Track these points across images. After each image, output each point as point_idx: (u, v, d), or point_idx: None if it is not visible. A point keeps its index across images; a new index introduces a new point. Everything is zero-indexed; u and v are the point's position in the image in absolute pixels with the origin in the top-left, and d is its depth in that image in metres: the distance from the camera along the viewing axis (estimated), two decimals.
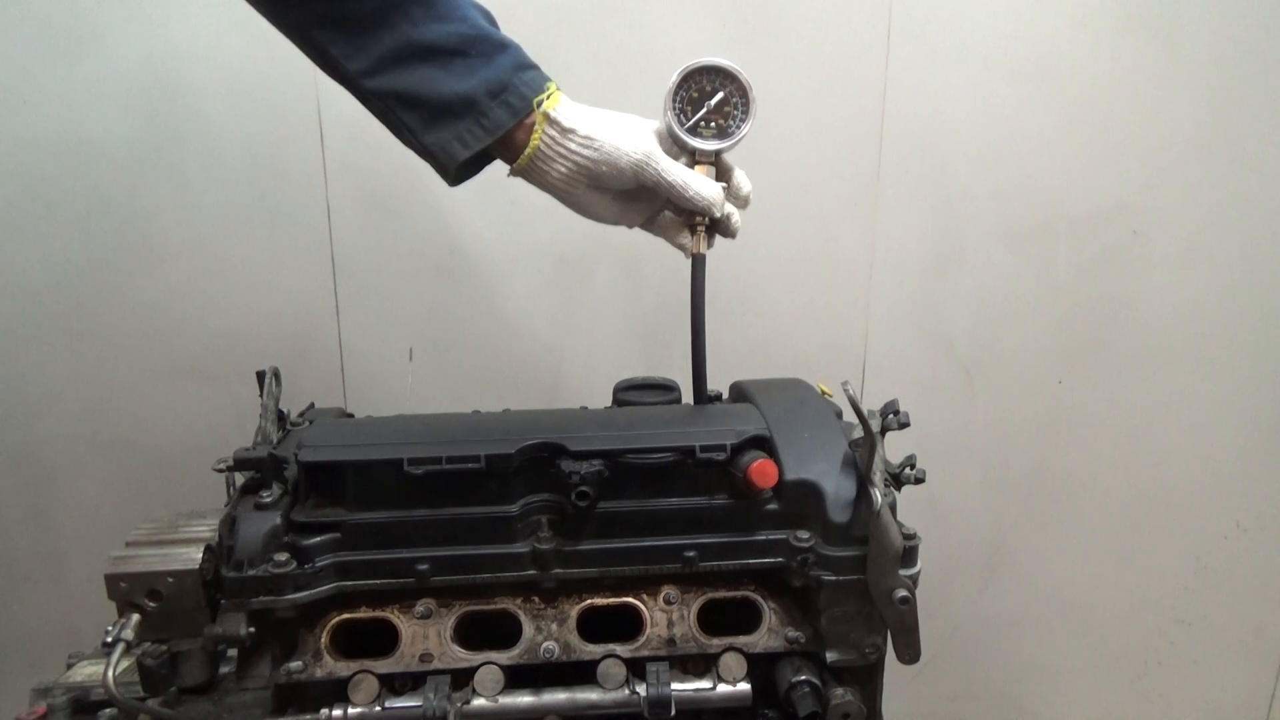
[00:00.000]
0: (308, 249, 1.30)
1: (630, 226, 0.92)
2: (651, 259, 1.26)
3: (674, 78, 0.90)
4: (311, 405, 1.01)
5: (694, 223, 0.90)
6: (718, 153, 0.90)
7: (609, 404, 0.99)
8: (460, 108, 0.83)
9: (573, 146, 0.85)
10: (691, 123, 0.89)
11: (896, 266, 1.38)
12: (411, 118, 0.84)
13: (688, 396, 0.93)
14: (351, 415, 1.03)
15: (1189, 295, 1.40)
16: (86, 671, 0.86)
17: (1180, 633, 1.59)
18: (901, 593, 0.76)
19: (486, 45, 0.83)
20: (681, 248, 0.91)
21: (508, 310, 1.36)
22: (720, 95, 0.90)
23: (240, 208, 1.28)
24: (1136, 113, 1.37)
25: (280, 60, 1.19)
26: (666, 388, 0.99)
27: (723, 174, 0.92)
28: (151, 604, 0.72)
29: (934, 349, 1.42)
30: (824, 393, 1.05)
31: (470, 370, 1.37)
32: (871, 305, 1.41)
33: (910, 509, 0.80)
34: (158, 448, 1.34)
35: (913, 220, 1.36)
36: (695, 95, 0.90)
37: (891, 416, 0.85)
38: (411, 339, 1.35)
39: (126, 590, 0.71)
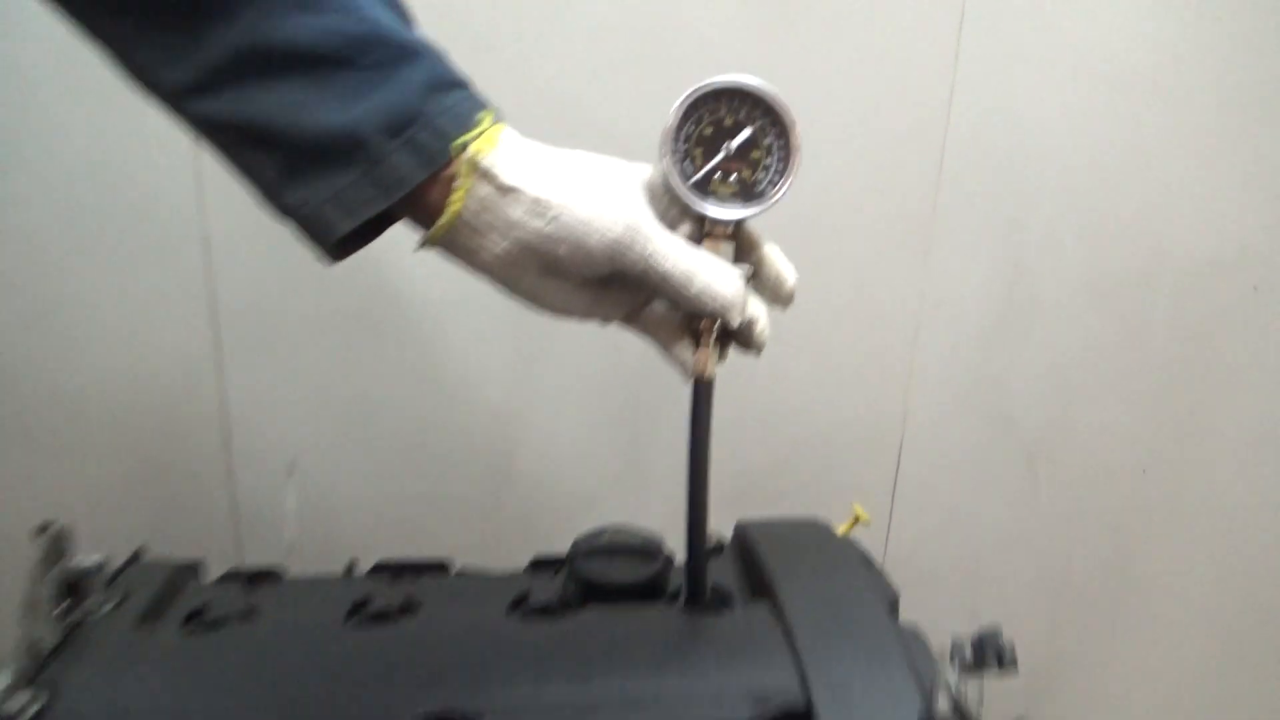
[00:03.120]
0: (179, 288, 0.97)
1: (605, 322, 0.61)
2: None
3: (677, 106, 0.58)
4: (135, 557, 0.69)
5: (699, 327, 0.58)
6: (739, 222, 0.58)
7: (572, 539, 0.70)
8: (340, 150, 0.52)
9: (516, 215, 0.53)
10: (701, 174, 0.58)
11: (949, 324, 1.12)
12: (263, 163, 0.52)
13: (677, 533, 0.62)
14: (194, 567, 0.71)
15: None
16: None
17: None
18: None
19: (385, 51, 0.52)
20: (679, 365, 0.60)
21: (446, 369, 1.03)
22: (747, 133, 0.58)
23: (88, 234, 0.94)
24: (1273, 139, 1.05)
25: None
26: (647, 553, 0.68)
27: (746, 252, 0.61)
28: None
29: (990, 427, 1.16)
30: (857, 518, 0.77)
31: (397, 450, 1.05)
32: (915, 371, 1.13)
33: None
34: None
35: (974, 266, 1.10)
36: (709, 133, 0.58)
37: (991, 654, 0.54)
38: (319, 406, 1.02)
39: None
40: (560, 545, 0.72)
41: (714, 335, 0.60)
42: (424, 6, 0.60)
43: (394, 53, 0.53)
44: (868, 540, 0.78)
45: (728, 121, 0.60)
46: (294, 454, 1.01)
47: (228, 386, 1.04)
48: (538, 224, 0.55)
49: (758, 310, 0.60)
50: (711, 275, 0.57)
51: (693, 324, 0.60)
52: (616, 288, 0.60)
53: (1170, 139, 1.05)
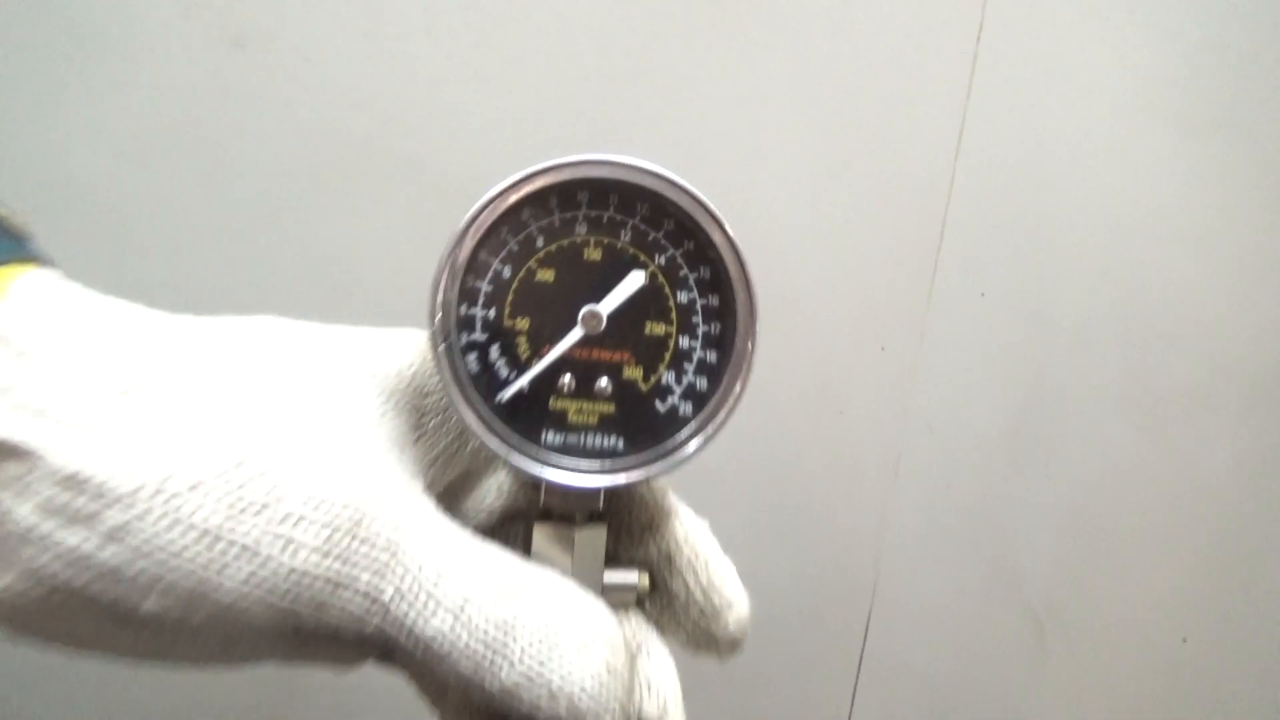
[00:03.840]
0: None
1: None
2: None
3: (475, 218, 0.24)
4: None
5: None
6: (624, 489, 0.24)
7: None
8: None
9: (24, 514, 0.21)
10: (527, 379, 0.24)
11: (941, 451, 0.85)
12: None
13: None
14: None
15: None
16: None
17: None
18: None
19: None
20: None
21: None
22: (635, 283, 0.24)
23: None
24: None
25: None
26: None
27: (637, 543, 0.28)
28: None
29: (989, 581, 0.90)
30: None
31: None
32: (892, 506, 0.86)
33: None
34: None
35: (980, 370, 0.84)
36: (548, 281, 0.24)
37: None
38: None
39: None
40: None
41: None
42: None
43: None
44: None
45: (590, 254, 0.26)
46: None
47: None
48: (77, 540, 0.21)
49: (660, 688, 0.27)
50: (548, 640, 0.24)
51: None
52: (326, 640, 0.26)
53: (1237, 218, 0.76)
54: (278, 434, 0.24)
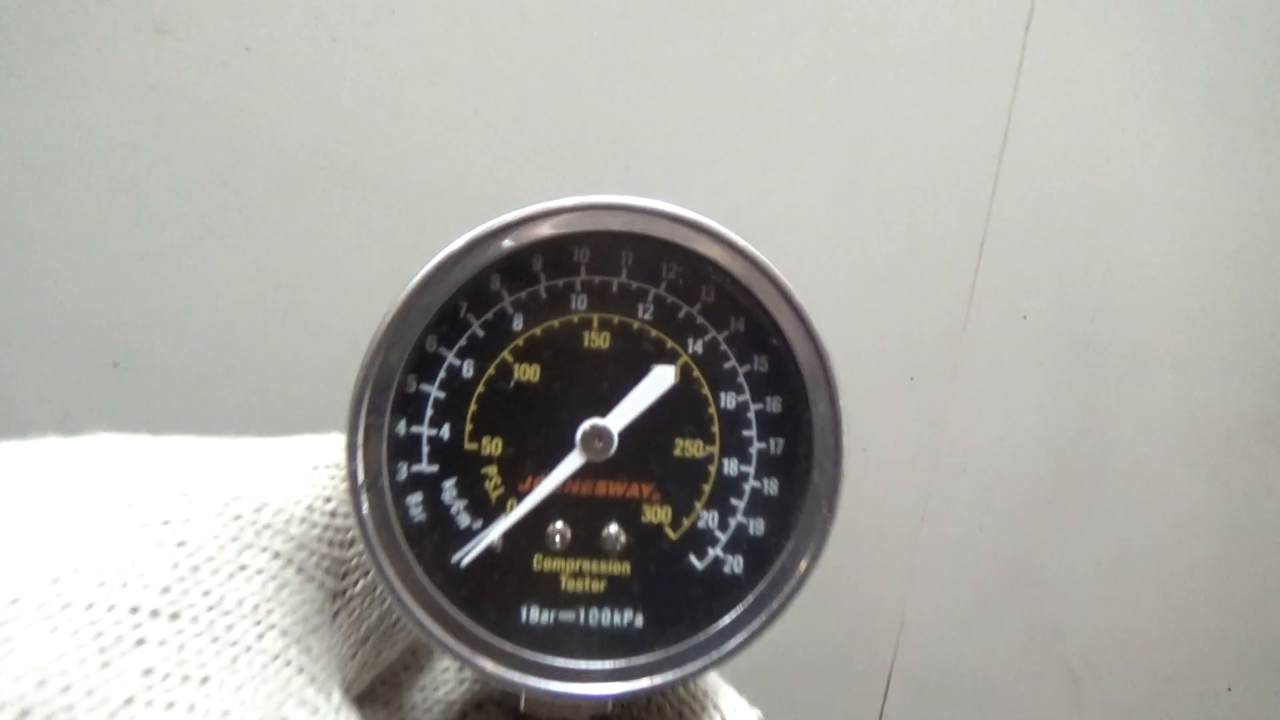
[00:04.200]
0: None
1: None
2: None
3: (419, 284, 0.14)
4: None
5: None
6: (645, 696, 0.16)
7: None
8: None
9: None
10: (494, 534, 0.14)
11: (976, 487, 0.77)
12: None
13: None
14: None
15: None
16: None
17: None
18: None
19: None
20: None
21: None
22: (663, 380, 0.14)
23: None
24: None
25: None
26: None
27: None
28: None
29: (1024, 636, 0.82)
30: None
31: None
32: (918, 554, 0.78)
33: None
34: None
35: (1017, 401, 0.76)
36: (537, 371, 0.14)
37: None
38: None
39: None
40: None
41: None
42: None
43: None
44: None
45: (593, 341, 0.17)
46: None
47: None
48: None
49: None
50: None
51: None
52: None
53: None
54: (96, 647, 0.15)
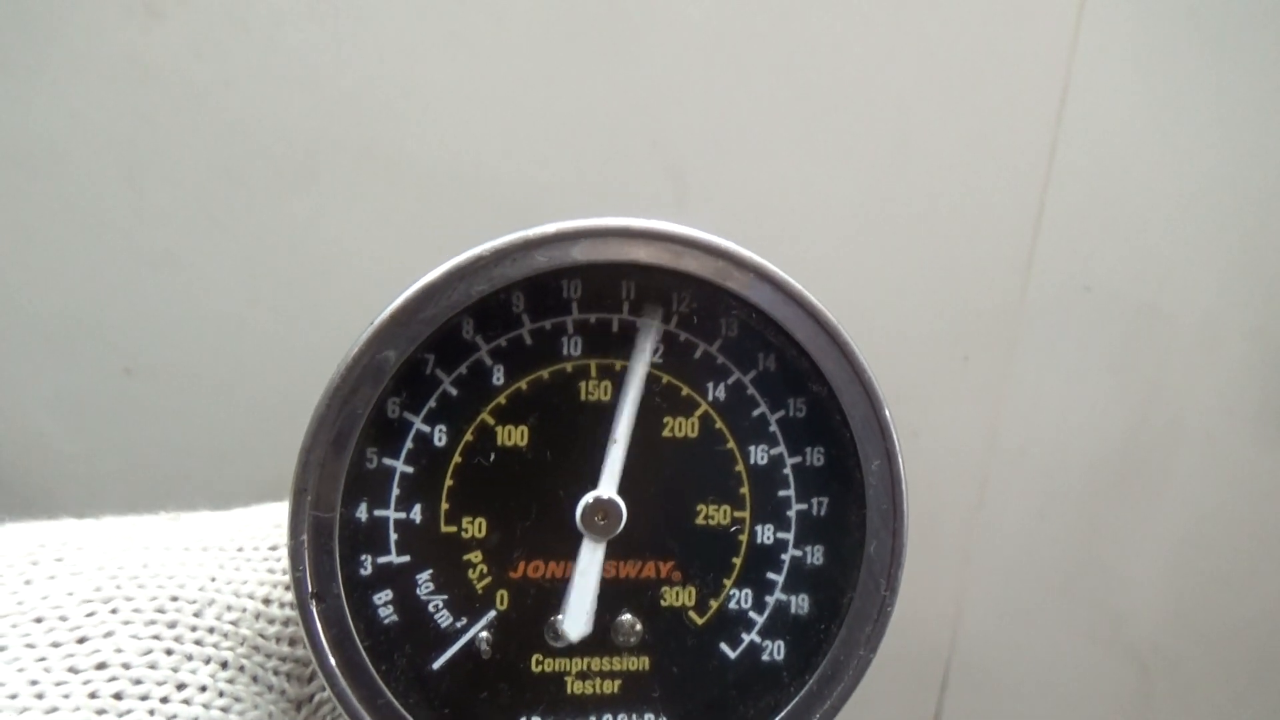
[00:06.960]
0: None
1: None
2: None
3: (374, 333, 0.10)
4: None
5: None
6: None
7: None
8: None
9: None
10: (478, 630, 0.12)
11: (1036, 470, 0.75)
12: None
13: None
14: None
15: None
16: None
17: None
18: None
19: None
20: None
21: None
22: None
23: None
24: None
25: None
26: None
27: None
28: None
29: (1089, 625, 0.81)
30: None
31: None
32: (976, 541, 0.76)
33: None
34: None
35: (1080, 379, 0.74)
36: (524, 435, 0.13)
37: None
38: None
39: None
40: None
41: None
42: None
43: None
44: None
45: (592, 393, 0.13)
46: None
47: None
48: None
49: None
50: None
51: None
52: None
53: None
54: None
